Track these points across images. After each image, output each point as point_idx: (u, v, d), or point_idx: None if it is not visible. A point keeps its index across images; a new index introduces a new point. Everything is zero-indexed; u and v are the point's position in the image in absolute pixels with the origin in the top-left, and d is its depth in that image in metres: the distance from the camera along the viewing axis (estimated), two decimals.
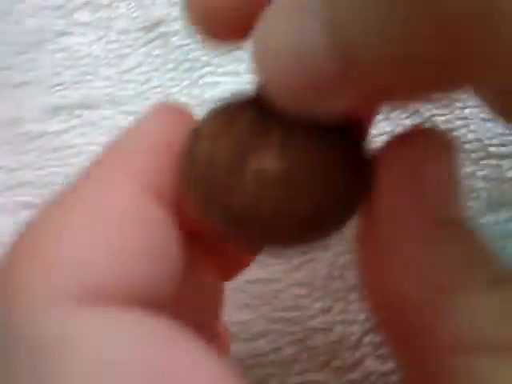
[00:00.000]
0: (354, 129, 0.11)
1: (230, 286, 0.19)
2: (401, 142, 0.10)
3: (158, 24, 0.23)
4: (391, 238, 0.10)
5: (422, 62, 0.08)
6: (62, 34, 0.23)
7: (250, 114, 0.10)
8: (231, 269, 0.15)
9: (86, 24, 0.23)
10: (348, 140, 0.10)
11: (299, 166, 0.10)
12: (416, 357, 0.10)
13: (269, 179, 0.10)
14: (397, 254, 0.10)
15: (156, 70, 0.22)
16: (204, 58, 0.22)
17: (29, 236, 0.11)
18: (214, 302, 0.14)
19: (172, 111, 0.12)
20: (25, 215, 0.20)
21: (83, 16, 0.24)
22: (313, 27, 0.08)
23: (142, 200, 0.11)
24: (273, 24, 0.09)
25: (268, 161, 0.10)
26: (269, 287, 0.19)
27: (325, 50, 0.08)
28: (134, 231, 0.10)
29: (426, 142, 0.10)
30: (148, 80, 0.22)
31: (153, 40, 0.23)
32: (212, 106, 0.11)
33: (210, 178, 0.10)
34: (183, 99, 0.22)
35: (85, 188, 0.11)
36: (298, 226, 0.10)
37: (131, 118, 0.22)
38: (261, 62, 0.09)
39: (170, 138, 0.12)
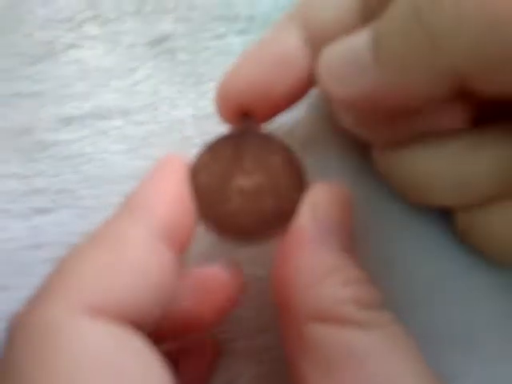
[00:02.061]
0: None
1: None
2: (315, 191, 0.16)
3: (164, 39, 0.24)
4: (295, 249, 0.16)
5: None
6: (72, 46, 0.24)
7: (230, 148, 0.17)
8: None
9: (95, 37, 0.24)
10: (296, 164, 0.17)
11: (265, 181, 0.16)
12: (291, 329, 0.15)
13: (245, 192, 0.16)
14: (295, 257, 0.15)
15: (163, 82, 0.24)
16: (209, 73, 0.24)
17: (61, 270, 0.14)
18: None
19: (172, 162, 0.16)
20: (38, 220, 0.21)
21: (92, 29, 0.25)
22: (366, 40, 0.15)
23: (151, 246, 0.15)
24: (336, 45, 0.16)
25: (243, 180, 0.16)
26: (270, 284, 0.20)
27: (367, 46, 0.15)
28: (138, 272, 0.14)
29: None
30: (156, 92, 0.23)
31: (159, 54, 0.24)
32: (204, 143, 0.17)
33: (208, 197, 0.16)
34: (189, 111, 0.23)
35: (101, 236, 0.15)
36: (268, 219, 0.16)
37: (140, 128, 0.23)
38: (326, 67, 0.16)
39: (174, 187, 0.16)
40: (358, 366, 0.14)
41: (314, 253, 0.15)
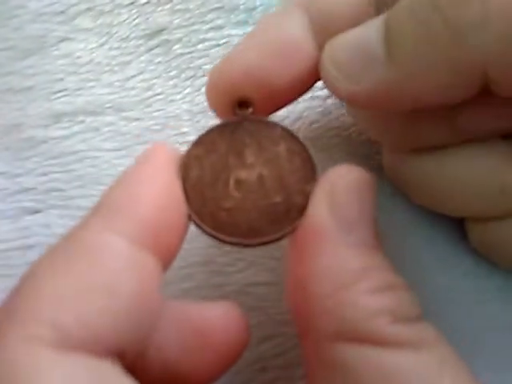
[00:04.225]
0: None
1: (235, 289, 0.19)
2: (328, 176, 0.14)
3: (159, 31, 0.23)
4: (310, 249, 0.13)
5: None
6: (64, 39, 0.23)
7: (226, 139, 0.15)
8: None
9: (87, 30, 0.23)
10: (303, 152, 0.15)
11: (268, 174, 0.14)
12: (310, 346, 0.13)
13: (247, 185, 0.14)
14: (311, 260, 0.13)
15: (158, 77, 0.23)
16: (206, 67, 0.23)
17: (21, 292, 0.12)
18: None
19: (158, 154, 0.14)
20: (27, 221, 0.20)
21: (84, 22, 0.24)
22: (378, 31, 0.14)
23: (131, 257, 0.12)
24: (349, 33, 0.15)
25: (243, 173, 0.14)
26: (275, 289, 0.19)
27: (379, 40, 0.14)
28: (115, 291, 0.12)
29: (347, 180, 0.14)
30: (150, 87, 0.22)
31: (154, 47, 0.23)
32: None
33: (202, 194, 0.14)
34: (185, 106, 0.22)
35: (69, 247, 0.12)
36: (276, 217, 0.14)
37: (133, 125, 0.22)
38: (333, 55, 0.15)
39: (160, 182, 0.13)
40: None
41: (334, 254, 0.13)
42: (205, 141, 0.15)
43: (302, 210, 0.14)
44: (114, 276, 0.12)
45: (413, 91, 0.14)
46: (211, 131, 0.15)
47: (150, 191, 0.13)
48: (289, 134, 0.15)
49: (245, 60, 0.15)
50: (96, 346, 0.11)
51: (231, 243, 0.14)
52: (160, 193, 0.13)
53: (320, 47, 0.16)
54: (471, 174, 0.16)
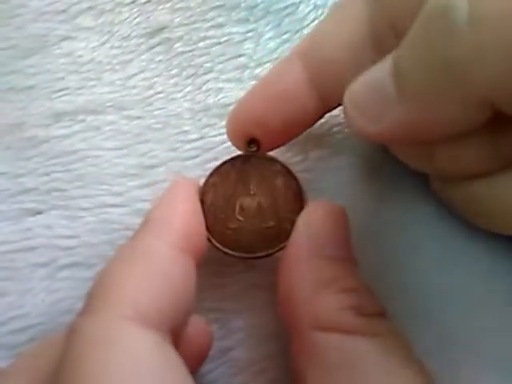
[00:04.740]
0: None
1: (237, 290, 0.19)
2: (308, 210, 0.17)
3: (160, 30, 0.23)
4: (294, 263, 0.16)
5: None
6: (65, 38, 0.23)
7: (236, 171, 0.18)
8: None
9: (88, 29, 0.23)
10: (296, 186, 0.18)
11: (266, 203, 0.18)
12: (295, 335, 0.16)
13: (249, 211, 0.18)
14: (294, 270, 0.16)
15: (159, 75, 0.23)
16: (207, 65, 0.22)
17: (102, 283, 0.15)
18: None
19: (183, 183, 0.18)
20: (29, 222, 0.20)
21: (86, 21, 0.24)
22: (389, 71, 0.15)
23: (174, 256, 0.16)
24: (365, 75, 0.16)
25: (246, 201, 0.18)
26: (275, 291, 0.19)
27: (390, 80, 0.15)
28: (170, 282, 0.15)
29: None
30: (151, 85, 0.22)
31: (155, 46, 0.23)
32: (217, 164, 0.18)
33: (213, 215, 0.18)
34: (186, 105, 0.22)
35: (131, 252, 0.16)
36: (269, 238, 0.18)
37: (134, 123, 0.22)
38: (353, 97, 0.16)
39: (187, 204, 0.17)
40: (355, 372, 0.14)
41: (311, 266, 0.16)
42: (220, 171, 0.19)
43: (289, 233, 0.17)
44: (166, 270, 0.15)
45: (427, 124, 0.15)
46: (225, 163, 0.19)
47: (180, 211, 0.17)
48: (286, 170, 0.18)
49: (250, 107, 0.19)
50: (163, 325, 0.14)
51: (234, 256, 0.18)
52: (186, 212, 0.17)
53: (318, 91, 0.18)
54: None
